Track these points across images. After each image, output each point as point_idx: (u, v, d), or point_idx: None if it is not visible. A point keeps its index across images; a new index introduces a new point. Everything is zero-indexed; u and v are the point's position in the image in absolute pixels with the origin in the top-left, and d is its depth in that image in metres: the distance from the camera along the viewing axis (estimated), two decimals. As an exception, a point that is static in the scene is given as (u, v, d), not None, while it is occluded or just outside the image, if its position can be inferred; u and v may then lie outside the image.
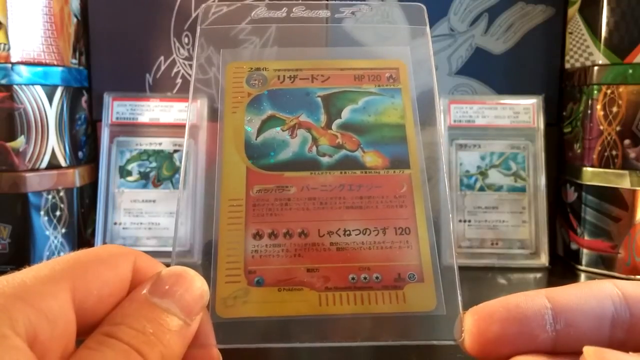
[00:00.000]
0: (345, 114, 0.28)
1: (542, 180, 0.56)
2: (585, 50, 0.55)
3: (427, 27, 0.29)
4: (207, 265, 0.24)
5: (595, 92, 0.53)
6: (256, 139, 0.27)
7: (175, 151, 0.57)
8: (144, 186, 0.57)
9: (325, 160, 0.27)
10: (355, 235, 0.25)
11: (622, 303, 0.21)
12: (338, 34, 0.31)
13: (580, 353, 0.20)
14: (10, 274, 0.18)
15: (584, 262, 0.55)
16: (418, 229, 0.25)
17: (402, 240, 0.25)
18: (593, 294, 0.21)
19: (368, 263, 0.25)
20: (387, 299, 0.24)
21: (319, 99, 0.28)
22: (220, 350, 0.22)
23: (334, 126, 0.28)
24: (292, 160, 0.27)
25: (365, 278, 0.24)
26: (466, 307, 0.22)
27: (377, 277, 0.24)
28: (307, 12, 0.28)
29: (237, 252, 0.25)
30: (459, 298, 0.23)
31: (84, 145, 0.60)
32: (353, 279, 0.24)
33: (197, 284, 0.21)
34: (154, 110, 0.58)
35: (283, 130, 0.27)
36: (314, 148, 0.27)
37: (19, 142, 0.52)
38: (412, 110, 0.28)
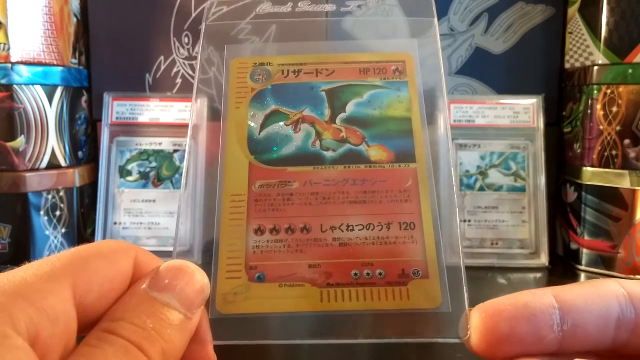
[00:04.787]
0: (350, 107, 0.28)
1: (542, 180, 0.56)
2: (585, 50, 0.55)
3: (435, 19, 0.28)
4: (207, 261, 0.24)
5: (595, 92, 0.53)
6: (259, 134, 0.27)
7: (175, 151, 0.57)
8: (144, 186, 0.56)
9: (329, 154, 0.26)
10: (359, 230, 0.25)
11: (627, 303, 0.20)
12: (344, 28, 0.31)
13: (585, 353, 0.20)
14: (10, 272, 0.18)
15: (584, 262, 0.55)
16: (423, 224, 0.25)
17: (407, 236, 0.25)
18: (599, 293, 0.21)
19: (371, 259, 0.24)
20: (390, 296, 0.23)
21: (324, 93, 0.28)
22: (221, 346, 0.22)
23: (338, 120, 0.27)
24: (295, 155, 0.26)
25: (368, 274, 0.24)
26: (469, 307, 0.22)
27: (380, 273, 0.24)
28: (313, 7, 0.28)
29: (239, 247, 0.24)
30: (466, 295, 0.23)
31: (84, 145, 0.60)
32: (356, 275, 0.24)
33: (198, 277, 0.21)
34: (154, 110, 0.57)
35: (287, 125, 0.27)
36: (318, 142, 0.27)
37: (19, 142, 0.52)
38: (419, 104, 0.27)
